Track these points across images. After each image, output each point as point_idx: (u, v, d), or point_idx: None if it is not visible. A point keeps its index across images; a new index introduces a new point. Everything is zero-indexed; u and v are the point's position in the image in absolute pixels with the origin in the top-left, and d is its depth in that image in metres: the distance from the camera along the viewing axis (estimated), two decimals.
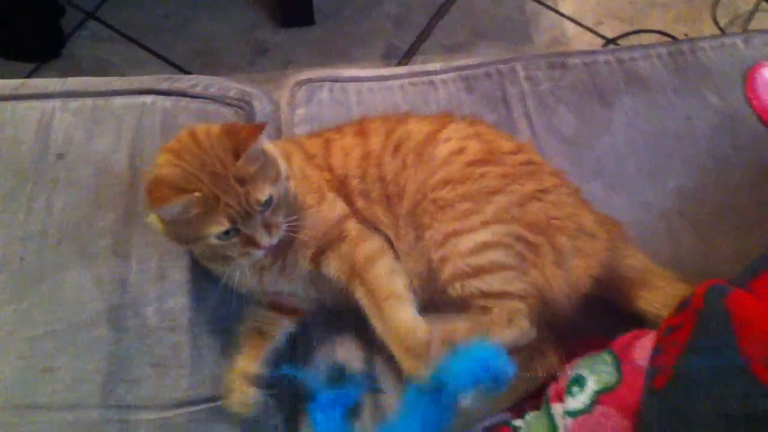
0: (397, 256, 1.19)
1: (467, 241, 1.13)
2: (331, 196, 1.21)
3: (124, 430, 1.15)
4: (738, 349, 0.85)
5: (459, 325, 1.11)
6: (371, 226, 1.22)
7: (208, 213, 1.04)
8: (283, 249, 1.16)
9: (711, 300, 0.93)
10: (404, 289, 1.14)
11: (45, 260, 1.25)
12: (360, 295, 1.16)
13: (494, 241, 1.13)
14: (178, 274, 1.26)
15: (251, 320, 1.24)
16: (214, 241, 1.06)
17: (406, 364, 1.10)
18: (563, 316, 1.17)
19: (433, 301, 1.19)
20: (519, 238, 1.14)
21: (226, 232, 1.05)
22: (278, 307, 1.25)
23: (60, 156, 1.33)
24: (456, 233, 1.14)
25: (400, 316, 1.11)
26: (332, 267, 1.18)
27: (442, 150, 1.22)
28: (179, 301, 1.24)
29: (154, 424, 1.16)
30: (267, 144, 1.12)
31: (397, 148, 1.24)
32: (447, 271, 1.14)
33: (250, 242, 1.08)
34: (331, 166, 1.24)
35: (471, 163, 1.20)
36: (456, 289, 1.13)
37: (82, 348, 1.19)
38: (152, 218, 1.12)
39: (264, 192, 1.06)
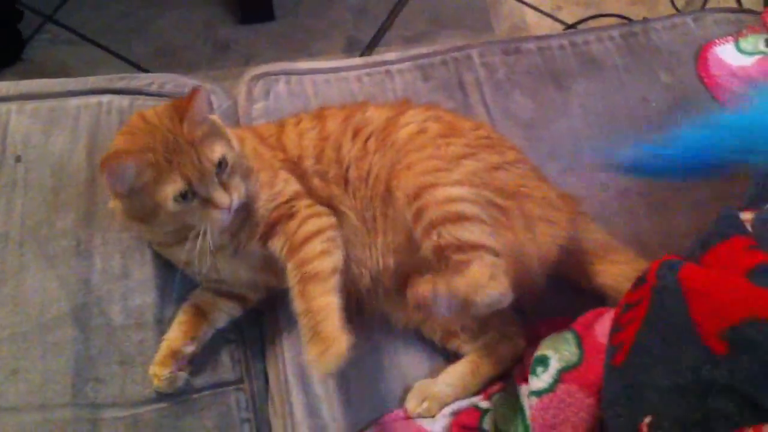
0: (340, 235, 1.19)
1: (443, 192, 1.12)
2: (283, 174, 1.22)
3: (94, 429, 1.16)
4: (690, 321, 0.86)
5: (439, 280, 1.08)
6: (327, 204, 1.22)
7: (162, 175, 1.06)
8: (237, 229, 1.17)
9: (664, 275, 0.94)
10: (330, 272, 1.12)
11: (7, 262, 1.25)
12: (289, 270, 1.15)
13: (470, 198, 1.12)
14: (142, 272, 1.27)
15: (194, 298, 1.25)
16: (172, 206, 1.08)
17: (311, 352, 1.07)
18: (533, 291, 1.18)
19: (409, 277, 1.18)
20: (490, 203, 1.14)
21: (184, 196, 1.07)
22: (226, 294, 1.26)
23: (18, 158, 1.33)
24: (431, 185, 1.13)
25: (318, 302, 1.10)
26: (276, 244, 1.18)
27: (404, 133, 1.23)
28: (144, 298, 1.25)
29: (124, 422, 1.17)
30: (213, 116, 1.16)
31: (356, 132, 1.25)
32: (425, 220, 1.11)
33: (210, 204, 1.10)
34: (284, 146, 1.25)
35: (435, 137, 1.21)
36: (433, 239, 1.10)
37: (49, 348, 1.19)
38: (113, 203, 1.14)
39: (215, 151, 1.09)
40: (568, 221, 1.20)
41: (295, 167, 1.23)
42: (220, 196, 1.10)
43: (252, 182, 1.17)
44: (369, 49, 2.45)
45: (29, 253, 1.26)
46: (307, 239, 1.15)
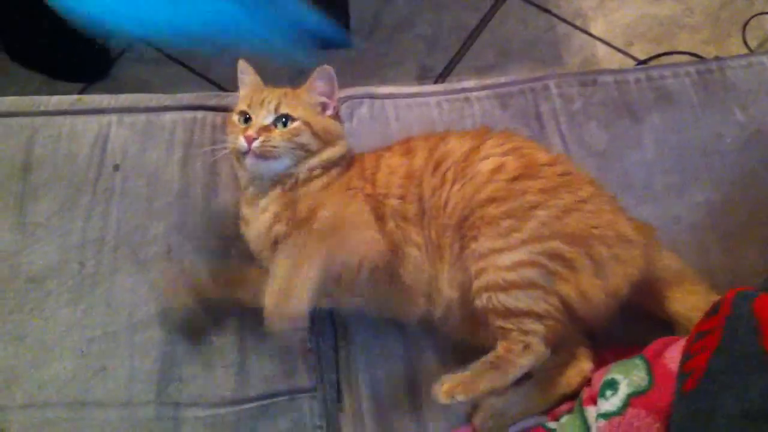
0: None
1: (507, 258, 1.15)
2: (361, 203, 1.25)
3: (175, 427, 1.22)
4: (762, 349, 0.88)
5: (471, 368, 1.13)
6: (393, 249, 1.24)
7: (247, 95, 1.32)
8: (292, 204, 1.24)
9: (739, 305, 0.95)
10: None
11: (102, 265, 1.32)
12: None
13: (530, 261, 1.15)
14: None
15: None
16: (233, 117, 1.28)
17: (270, 309, 1.07)
18: (600, 323, 1.20)
19: (468, 314, 1.23)
20: (554, 256, 1.16)
21: (245, 117, 1.27)
22: None
23: (116, 167, 1.40)
24: (498, 251, 1.16)
25: (285, 270, 1.11)
26: None
27: (483, 168, 1.24)
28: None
29: (204, 422, 1.22)
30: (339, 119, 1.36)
31: (436, 166, 1.27)
32: (482, 280, 1.16)
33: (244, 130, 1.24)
34: (375, 181, 1.28)
35: (511, 180, 1.22)
36: (482, 301, 1.15)
37: (137, 348, 1.26)
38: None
39: (286, 108, 1.28)
40: (642, 255, 1.20)
41: (378, 205, 1.26)
42: (251, 130, 1.23)
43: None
44: (441, 77, 2.48)
45: (122, 257, 1.32)
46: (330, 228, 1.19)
